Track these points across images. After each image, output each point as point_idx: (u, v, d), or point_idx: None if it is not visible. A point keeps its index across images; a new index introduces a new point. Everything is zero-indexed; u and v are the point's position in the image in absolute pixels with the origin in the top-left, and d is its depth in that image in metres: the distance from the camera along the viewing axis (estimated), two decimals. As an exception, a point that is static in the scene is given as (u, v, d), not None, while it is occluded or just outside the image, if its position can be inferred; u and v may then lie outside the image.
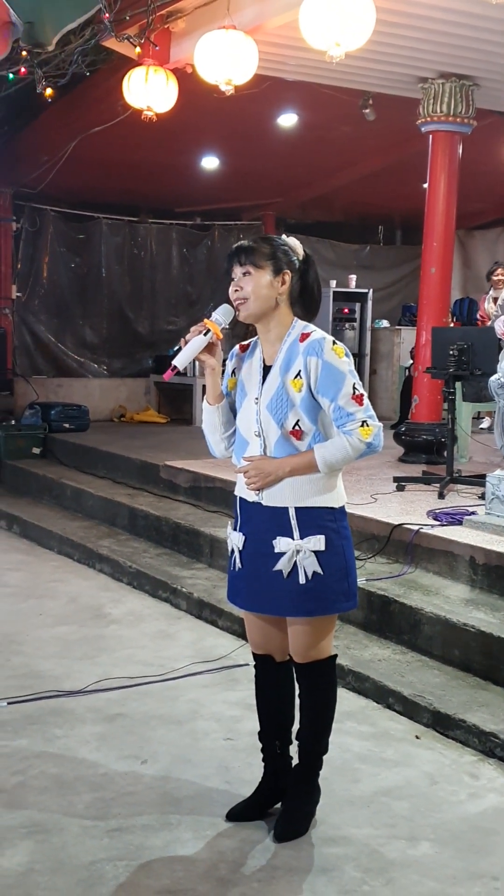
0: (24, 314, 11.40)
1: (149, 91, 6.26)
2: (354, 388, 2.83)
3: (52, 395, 11.01)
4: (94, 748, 3.66)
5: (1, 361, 10.81)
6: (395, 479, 6.34)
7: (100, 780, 3.40)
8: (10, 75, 6.34)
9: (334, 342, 2.87)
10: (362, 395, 2.85)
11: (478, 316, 9.72)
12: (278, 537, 2.90)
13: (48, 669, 4.52)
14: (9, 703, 4.06)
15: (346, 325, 11.46)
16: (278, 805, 3.13)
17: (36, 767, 3.49)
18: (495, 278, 8.92)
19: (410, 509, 5.60)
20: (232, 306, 2.96)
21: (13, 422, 10.02)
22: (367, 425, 2.83)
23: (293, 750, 3.16)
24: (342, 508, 2.97)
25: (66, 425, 9.95)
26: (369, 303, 11.62)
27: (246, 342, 3.09)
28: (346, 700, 3.92)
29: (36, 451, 9.52)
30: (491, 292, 9.01)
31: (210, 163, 10.19)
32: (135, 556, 6.27)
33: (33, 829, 3.05)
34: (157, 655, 4.72)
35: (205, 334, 2.94)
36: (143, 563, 6.09)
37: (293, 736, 3.15)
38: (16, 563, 6.69)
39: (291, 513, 2.89)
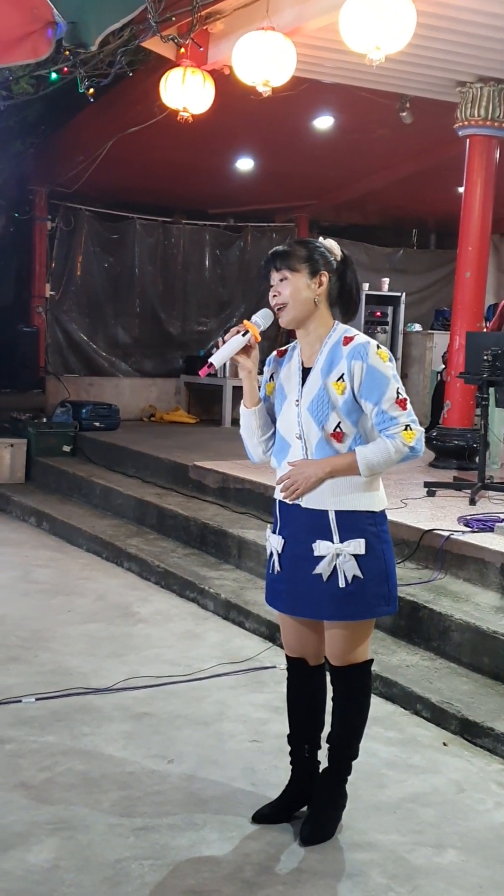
0: (57, 313, 11.45)
1: (186, 92, 6.28)
2: (398, 392, 2.84)
3: (83, 394, 11.07)
4: (121, 746, 3.67)
5: (33, 359, 10.87)
6: (426, 485, 6.30)
7: (126, 778, 3.41)
8: (54, 75, 6.35)
9: (378, 346, 2.88)
10: (405, 399, 2.86)
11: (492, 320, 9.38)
12: (318, 541, 2.89)
13: (76, 666, 4.54)
14: (37, 699, 4.08)
15: (379, 329, 11.40)
16: (304, 809, 3.12)
17: (63, 764, 3.50)
18: None
19: (441, 515, 5.57)
20: (273, 312, 2.96)
21: (44, 419, 10.09)
22: (411, 429, 2.83)
23: (321, 755, 3.15)
24: (383, 513, 2.96)
25: (97, 424, 10.00)
26: (402, 306, 11.56)
27: (283, 347, 3.09)
28: (373, 705, 3.85)
29: (66, 448, 9.57)
30: None
31: (244, 164, 10.18)
32: (163, 556, 6.28)
33: (60, 825, 3.06)
34: (184, 655, 4.73)
35: (243, 335, 2.94)
36: (171, 563, 6.10)
37: (323, 740, 3.14)
38: (45, 560, 6.73)
39: (331, 516, 2.88)
